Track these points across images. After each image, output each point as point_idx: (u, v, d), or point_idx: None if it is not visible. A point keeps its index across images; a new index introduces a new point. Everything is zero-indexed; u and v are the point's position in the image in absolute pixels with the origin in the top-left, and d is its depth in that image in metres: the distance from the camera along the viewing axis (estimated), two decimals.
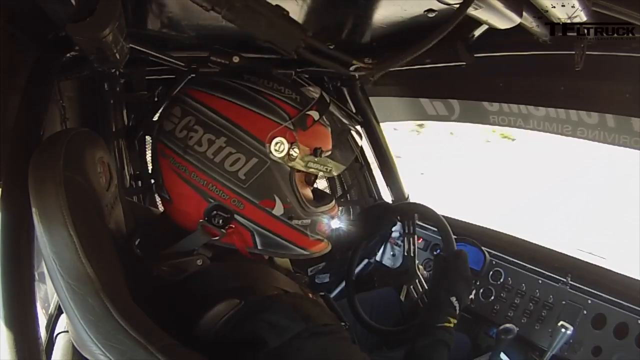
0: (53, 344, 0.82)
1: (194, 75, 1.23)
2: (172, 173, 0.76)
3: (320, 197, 0.89)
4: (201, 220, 0.74)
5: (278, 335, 0.64)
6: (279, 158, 0.75)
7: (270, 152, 0.74)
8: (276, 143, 0.74)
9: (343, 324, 0.87)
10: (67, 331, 0.79)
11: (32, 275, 0.65)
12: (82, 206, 0.64)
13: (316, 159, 0.79)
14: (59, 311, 0.87)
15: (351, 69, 1.55)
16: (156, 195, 1.43)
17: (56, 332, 0.84)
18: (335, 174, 0.86)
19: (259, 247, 0.79)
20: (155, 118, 0.80)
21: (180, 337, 0.62)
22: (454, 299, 1.02)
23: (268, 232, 0.78)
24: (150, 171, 0.82)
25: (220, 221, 0.74)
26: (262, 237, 0.78)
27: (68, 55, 0.84)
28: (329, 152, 0.84)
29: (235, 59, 0.87)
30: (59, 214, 0.59)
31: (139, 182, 1.42)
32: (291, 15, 1.01)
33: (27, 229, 0.62)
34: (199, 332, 0.67)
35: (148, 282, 0.73)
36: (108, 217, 0.75)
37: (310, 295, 0.83)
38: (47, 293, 0.93)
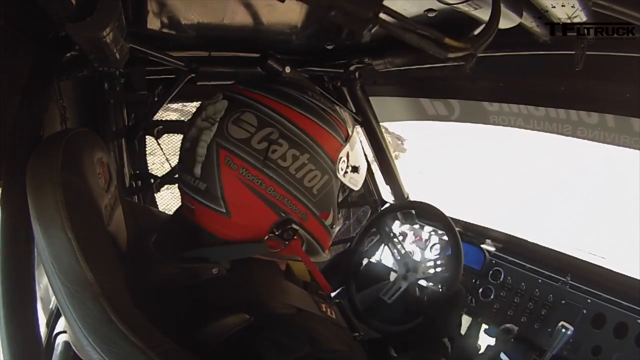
0: (53, 344, 0.82)
1: (193, 75, 1.24)
2: (239, 185, 0.71)
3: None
4: (271, 235, 0.73)
5: (279, 354, 0.63)
6: (341, 175, 0.79)
7: (337, 169, 0.78)
8: (342, 161, 0.79)
9: (357, 334, 0.88)
10: (66, 331, 0.79)
11: (33, 275, 0.65)
12: (81, 208, 0.63)
13: (354, 175, 0.84)
14: (58, 311, 0.87)
15: (351, 68, 1.56)
16: (155, 195, 1.44)
17: (55, 332, 0.84)
18: (358, 187, 0.89)
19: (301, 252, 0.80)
20: (220, 122, 0.72)
21: (180, 342, 0.62)
22: (446, 340, 1.06)
23: (314, 240, 0.80)
24: (199, 176, 0.73)
25: (290, 235, 0.74)
26: (309, 245, 0.79)
27: (68, 55, 0.84)
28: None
29: (287, 69, 0.85)
30: (57, 217, 0.59)
31: (139, 182, 1.42)
32: (291, 15, 1.01)
33: (27, 229, 0.62)
34: (201, 339, 0.66)
35: (153, 283, 0.73)
36: (108, 219, 0.75)
37: (325, 307, 0.82)
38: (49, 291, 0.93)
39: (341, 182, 0.81)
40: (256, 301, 0.70)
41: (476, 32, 1.13)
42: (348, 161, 0.80)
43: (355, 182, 0.85)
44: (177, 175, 0.82)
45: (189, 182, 0.75)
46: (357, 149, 0.85)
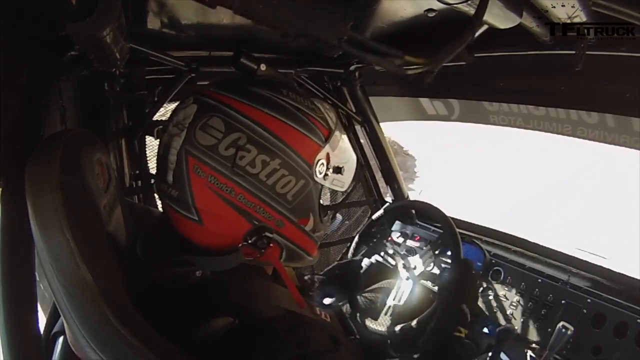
0: (52, 344, 0.82)
1: (193, 75, 1.24)
2: (209, 193, 0.69)
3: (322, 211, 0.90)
4: (244, 243, 0.71)
5: (268, 357, 0.62)
6: (320, 178, 0.75)
7: (315, 173, 0.74)
8: (319, 164, 0.74)
9: (353, 337, 0.85)
10: (65, 332, 0.79)
11: (33, 275, 0.65)
12: (79, 209, 0.63)
13: (338, 177, 0.80)
14: (57, 311, 0.87)
15: (351, 68, 1.56)
16: (155, 195, 1.44)
17: (54, 332, 0.84)
18: (343, 189, 0.86)
19: (282, 260, 0.78)
20: (184, 126, 0.70)
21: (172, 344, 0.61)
22: (464, 306, 1.01)
23: (295, 247, 0.77)
24: (171, 183, 0.72)
25: (264, 243, 0.71)
26: (289, 251, 0.77)
27: (68, 55, 0.84)
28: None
29: (263, 67, 0.84)
30: (55, 218, 0.59)
31: (139, 182, 1.42)
32: None
33: (26, 229, 0.62)
34: (190, 343, 0.64)
35: (147, 287, 0.72)
36: (107, 220, 0.75)
37: (318, 310, 0.80)
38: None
39: (325, 184, 0.78)
40: (241, 303, 0.68)
41: (477, 32, 1.14)
42: (328, 163, 0.76)
43: (339, 183, 0.81)
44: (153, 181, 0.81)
45: (164, 188, 0.74)
46: (342, 148, 0.80)
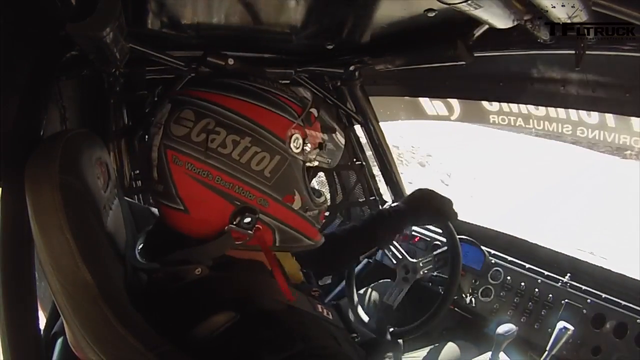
0: (52, 345, 0.82)
1: (193, 74, 1.24)
2: (189, 180, 0.72)
3: (314, 191, 0.90)
4: (230, 225, 0.72)
5: (271, 352, 0.62)
6: (297, 153, 0.77)
7: (290, 148, 0.76)
8: (294, 139, 0.76)
9: (354, 335, 0.87)
10: (64, 332, 0.79)
11: (33, 276, 0.65)
12: (79, 210, 0.63)
13: (321, 152, 0.83)
14: (57, 312, 0.87)
15: (351, 68, 1.56)
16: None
17: (54, 332, 0.84)
18: (334, 165, 0.89)
19: (277, 244, 0.79)
20: (157, 126, 0.74)
21: (173, 344, 0.61)
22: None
23: (287, 227, 0.78)
24: (157, 179, 0.74)
25: (249, 223, 0.73)
26: (281, 233, 0.78)
27: (68, 55, 0.84)
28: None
29: (231, 61, 0.85)
30: (55, 219, 0.59)
31: (139, 182, 1.42)
32: (291, 14, 1.02)
33: (26, 229, 0.62)
34: (192, 341, 0.65)
35: (147, 286, 0.73)
36: (106, 220, 0.75)
37: (320, 307, 0.81)
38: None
39: (307, 160, 0.79)
40: (243, 298, 0.69)
41: (477, 32, 1.14)
42: (306, 138, 0.78)
43: (324, 159, 0.83)
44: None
45: (152, 186, 0.76)
46: (323, 125, 0.83)
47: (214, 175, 0.71)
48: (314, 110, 0.81)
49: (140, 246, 0.79)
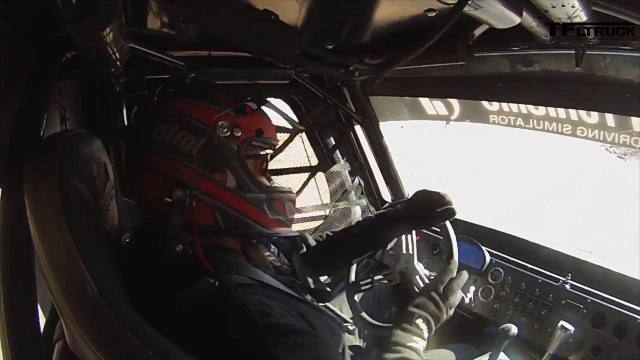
0: (52, 345, 0.82)
1: (194, 74, 1.24)
2: (133, 168, 0.87)
3: (262, 174, 0.98)
4: (166, 199, 0.81)
5: (236, 325, 0.68)
6: (225, 137, 0.86)
7: (216, 132, 0.86)
8: (220, 125, 0.86)
9: (347, 324, 0.93)
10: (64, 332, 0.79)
11: (33, 276, 0.65)
12: (78, 210, 0.64)
13: (258, 138, 0.91)
14: (57, 312, 0.87)
15: (351, 68, 1.56)
16: None
17: (53, 332, 0.84)
18: (270, 148, 0.97)
19: (222, 225, 0.86)
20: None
21: (161, 318, 0.65)
22: (420, 320, 0.96)
23: (226, 207, 0.86)
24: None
25: (179, 194, 0.81)
26: (221, 212, 0.86)
27: (68, 55, 0.84)
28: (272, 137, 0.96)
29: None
30: (54, 219, 0.59)
31: None
32: (291, 15, 1.02)
33: (26, 229, 0.62)
34: (175, 310, 0.70)
35: (138, 271, 0.76)
36: (105, 220, 0.75)
37: (293, 291, 0.87)
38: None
39: (238, 145, 0.87)
40: (219, 271, 0.77)
41: (477, 32, 1.14)
42: (236, 125, 0.87)
43: (262, 144, 0.92)
44: None
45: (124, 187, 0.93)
46: (257, 118, 0.93)
47: (154, 158, 0.84)
48: (252, 104, 0.92)
49: (126, 239, 0.87)
